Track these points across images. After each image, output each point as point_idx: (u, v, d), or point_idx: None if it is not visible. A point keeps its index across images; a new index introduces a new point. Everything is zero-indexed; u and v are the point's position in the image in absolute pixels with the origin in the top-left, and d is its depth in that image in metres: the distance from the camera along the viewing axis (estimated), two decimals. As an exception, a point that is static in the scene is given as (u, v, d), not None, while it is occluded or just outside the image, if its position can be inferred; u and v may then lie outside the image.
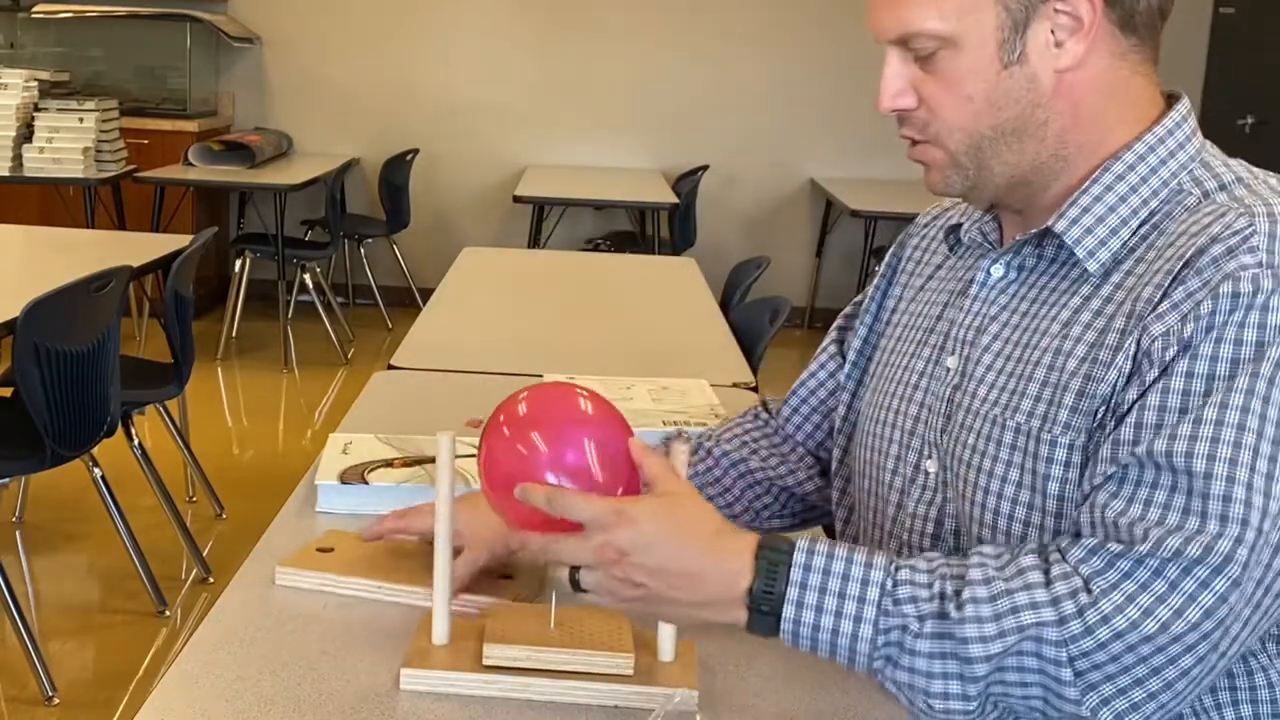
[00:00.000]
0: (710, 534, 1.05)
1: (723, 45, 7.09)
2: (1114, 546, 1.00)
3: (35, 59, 6.68)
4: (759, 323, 3.14)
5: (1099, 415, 1.06)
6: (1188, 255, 1.04)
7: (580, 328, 2.97)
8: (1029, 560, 1.02)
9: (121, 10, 6.66)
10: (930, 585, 1.02)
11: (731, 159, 7.16)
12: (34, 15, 6.59)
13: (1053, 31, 1.10)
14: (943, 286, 1.29)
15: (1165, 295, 1.04)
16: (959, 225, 1.27)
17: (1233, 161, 1.15)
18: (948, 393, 1.21)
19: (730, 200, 7.21)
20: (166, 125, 6.61)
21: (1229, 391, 1.00)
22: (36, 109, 5.69)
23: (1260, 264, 1.01)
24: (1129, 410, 1.03)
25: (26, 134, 5.67)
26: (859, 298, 1.44)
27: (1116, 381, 1.05)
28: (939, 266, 1.31)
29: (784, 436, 1.47)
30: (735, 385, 2.36)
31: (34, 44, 6.81)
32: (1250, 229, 1.03)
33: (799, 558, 1.04)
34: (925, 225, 1.38)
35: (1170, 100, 1.18)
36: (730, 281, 3.91)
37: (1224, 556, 0.97)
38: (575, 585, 1.07)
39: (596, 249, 6.46)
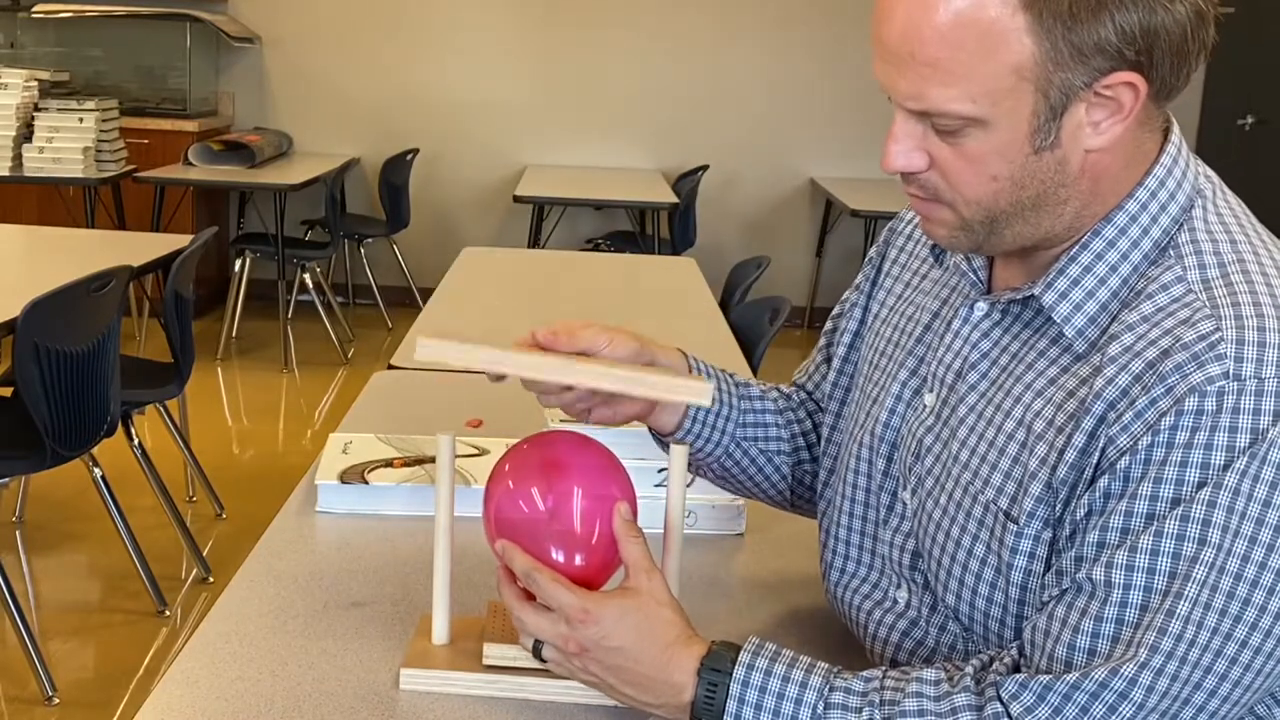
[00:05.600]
0: (666, 644, 1.09)
1: (723, 45, 7.09)
2: (1044, 678, 0.99)
3: (35, 59, 6.68)
4: (759, 323, 3.14)
5: (1060, 511, 1.05)
6: (1152, 358, 1.00)
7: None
8: (963, 700, 1.02)
9: (121, 10, 6.67)
10: (860, 712, 1.03)
11: (731, 159, 7.16)
12: (34, 15, 6.59)
13: (1087, 111, 1.02)
14: (925, 303, 1.26)
15: (1130, 403, 1.00)
16: None
17: (1225, 210, 1.09)
18: (920, 432, 1.19)
19: (730, 200, 7.21)
20: (166, 125, 6.61)
21: (1177, 520, 0.97)
22: (36, 109, 5.69)
23: (1226, 374, 0.97)
24: (1084, 527, 1.02)
25: (26, 134, 5.67)
26: (846, 295, 1.41)
27: (1078, 483, 1.03)
28: (924, 276, 1.29)
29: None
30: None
31: (34, 44, 6.81)
32: (1217, 334, 0.99)
33: (739, 673, 1.06)
34: (910, 222, 1.35)
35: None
36: (730, 281, 3.91)
37: (1145, 689, 0.97)
38: (536, 653, 1.14)
39: (596, 249, 6.47)
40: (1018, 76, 1.00)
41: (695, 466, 1.40)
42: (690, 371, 1.33)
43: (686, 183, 6.71)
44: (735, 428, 1.37)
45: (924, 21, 1.00)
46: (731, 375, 1.41)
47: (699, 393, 1.14)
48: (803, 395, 1.45)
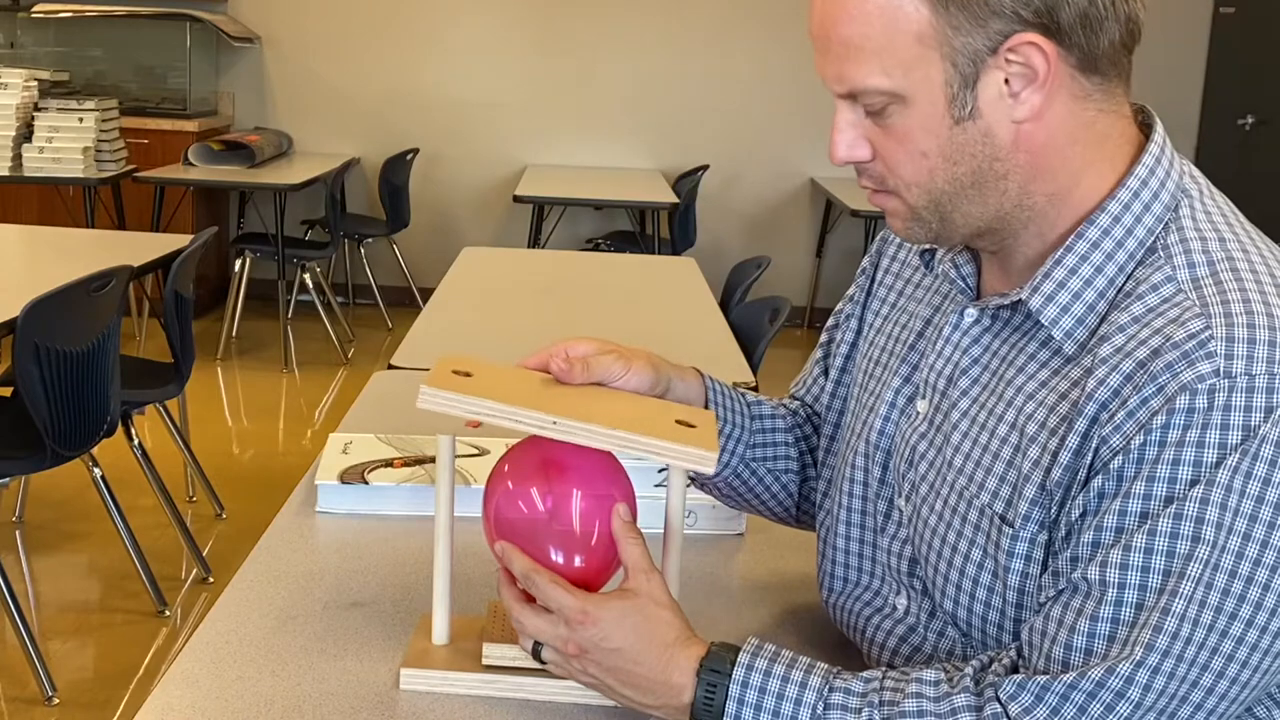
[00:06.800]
0: (665, 644, 1.09)
1: (723, 45, 7.09)
2: (1042, 679, 1.00)
3: (35, 59, 6.69)
4: (759, 323, 3.14)
5: (1055, 513, 1.05)
6: (1143, 358, 1.00)
7: (580, 328, 2.97)
8: (962, 700, 1.02)
9: (121, 10, 6.67)
10: (860, 712, 1.03)
11: (731, 159, 7.16)
12: (34, 15, 6.59)
13: (1007, 82, 1.03)
14: (918, 311, 1.26)
15: (1122, 402, 1.00)
16: (933, 250, 1.23)
17: (1213, 208, 1.09)
18: (914, 438, 1.20)
19: (730, 200, 7.21)
20: (166, 125, 6.61)
21: (1171, 518, 0.97)
22: (36, 109, 5.70)
23: (1217, 371, 0.97)
24: (1079, 527, 1.02)
25: (26, 134, 5.67)
26: (840, 306, 1.41)
27: (1072, 484, 1.03)
28: (916, 284, 1.29)
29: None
30: (735, 385, 2.35)
31: (34, 44, 6.81)
32: (1207, 333, 0.98)
33: (738, 674, 1.07)
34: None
35: (1142, 122, 1.12)
36: (730, 281, 3.91)
37: (1142, 687, 0.97)
38: (536, 655, 1.14)
39: (596, 249, 6.47)
40: (921, 45, 1.03)
41: (701, 484, 1.41)
42: (706, 393, 1.34)
43: (686, 183, 6.71)
44: (745, 449, 1.38)
45: (835, 3, 1.05)
46: (744, 394, 1.41)
47: (703, 461, 1.13)
48: (807, 410, 1.45)
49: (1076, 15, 1.02)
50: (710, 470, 1.14)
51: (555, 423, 1.12)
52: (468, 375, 1.17)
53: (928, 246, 1.23)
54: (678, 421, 1.18)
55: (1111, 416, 1.00)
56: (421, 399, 1.13)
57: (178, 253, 3.75)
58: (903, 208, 1.11)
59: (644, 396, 1.24)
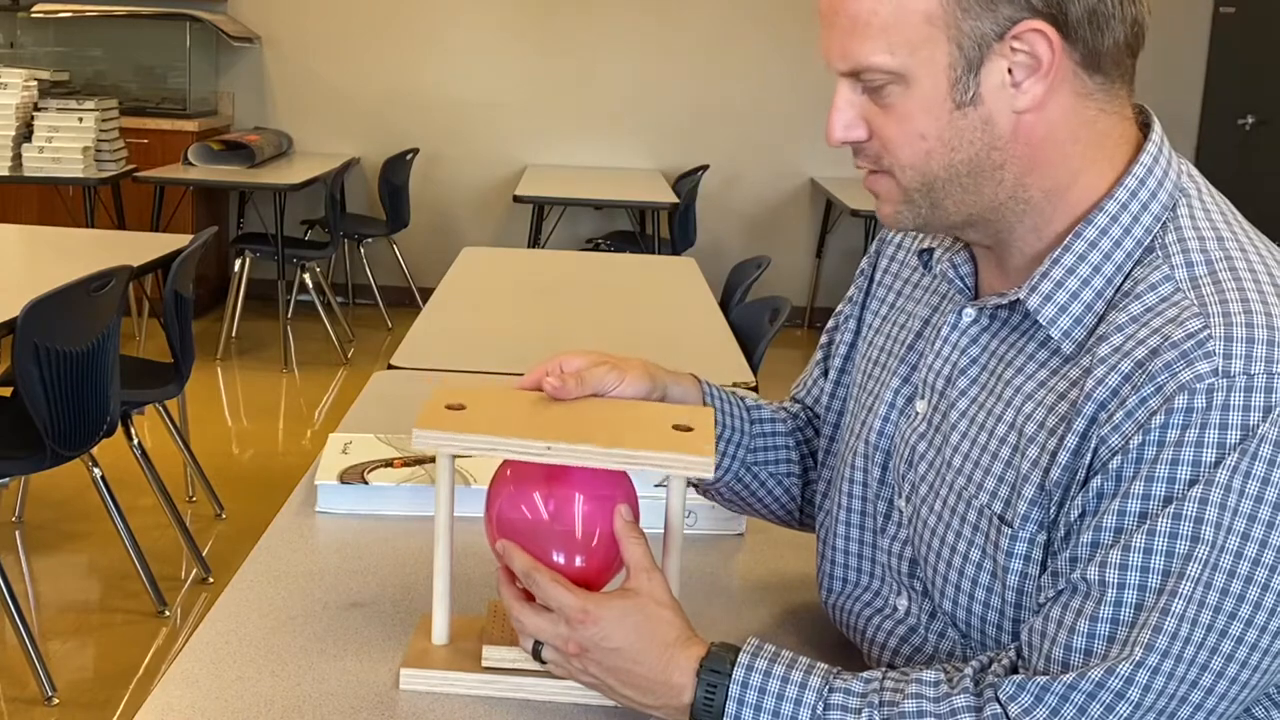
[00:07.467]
0: (665, 644, 1.09)
1: (723, 45, 7.09)
2: (1041, 679, 0.99)
3: (35, 59, 6.69)
4: (759, 323, 3.14)
5: (1054, 513, 1.05)
6: (1141, 358, 1.00)
7: (580, 328, 2.97)
8: (962, 701, 1.02)
9: (121, 10, 6.67)
10: (860, 713, 1.03)
11: (731, 159, 7.16)
12: (34, 15, 6.59)
13: (1010, 71, 1.04)
14: (916, 311, 1.26)
15: (1121, 402, 1.00)
16: (931, 249, 1.24)
17: (1211, 207, 1.10)
18: (914, 439, 1.20)
19: (730, 200, 7.21)
20: (166, 125, 6.61)
21: (1170, 518, 0.97)
22: (36, 108, 5.69)
23: (1216, 371, 0.97)
24: (1078, 528, 1.02)
25: (26, 133, 5.67)
26: (840, 307, 1.41)
27: (1071, 484, 1.03)
28: (915, 285, 1.29)
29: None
30: (735, 385, 2.35)
31: (34, 44, 6.81)
32: (1206, 332, 0.98)
33: (738, 674, 1.07)
34: (898, 232, 1.35)
35: (1141, 123, 1.12)
36: (730, 281, 3.91)
37: (1142, 688, 0.97)
38: (536, 655, 1.14)
39: (596, 249, 6.47)
40: (929, 25, 1.03)
41: (703, 490, 1.40)
42: (704, 399, 1.34)
43: (686, 183, 6.71)
44: (745, 452, 1.38)
45: None
46: (742, 398, 1.41)
47: (702, 467, 1.13)
48: (808, 413, 1.45)
49: (1085, 10, 1.03)
50: (710, 475, 1.14)
51: (549, 448, 1.12)
52: (461, 408, 1.17)
53: (926, 246, 1.23)
54: (674, 426, 1.18)
55: (1110, 416, 1.00)
56: (416, 439, 1.13)
57: (177, 253, 3.75)
58: (894, 189, 1.11)
59: (640, 401, 1.24)
